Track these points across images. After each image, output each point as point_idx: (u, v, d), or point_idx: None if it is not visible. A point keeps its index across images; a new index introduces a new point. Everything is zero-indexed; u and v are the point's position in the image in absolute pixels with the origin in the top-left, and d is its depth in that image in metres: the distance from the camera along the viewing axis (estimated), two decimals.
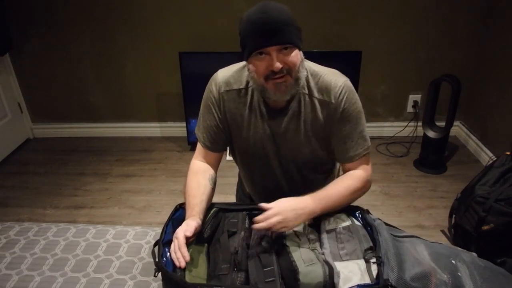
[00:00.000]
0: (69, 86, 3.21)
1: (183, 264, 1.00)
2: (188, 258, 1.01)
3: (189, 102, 2.94)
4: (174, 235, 1.07)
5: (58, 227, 1.55)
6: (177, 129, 3.29)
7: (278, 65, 1.06)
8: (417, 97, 3.14)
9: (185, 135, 3.11)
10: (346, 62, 2.75)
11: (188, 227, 1.07)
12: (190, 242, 1.08)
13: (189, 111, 2.97)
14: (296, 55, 1.09)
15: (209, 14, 2.87)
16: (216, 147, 1.31)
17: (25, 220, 2.43)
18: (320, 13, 2.85)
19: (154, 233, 1.52)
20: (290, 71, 1.09)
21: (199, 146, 1.33)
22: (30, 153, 3.20)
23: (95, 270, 1.35)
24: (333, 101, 1.18)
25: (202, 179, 1.24)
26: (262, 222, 1.05)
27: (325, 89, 1.18)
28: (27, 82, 3.22)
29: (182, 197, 1.24)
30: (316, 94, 1.19)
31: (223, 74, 1.26)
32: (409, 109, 3.18)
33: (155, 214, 2.46)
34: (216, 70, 1.29)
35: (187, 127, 3.04)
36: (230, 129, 1.28)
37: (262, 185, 1.38)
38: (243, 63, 1.23)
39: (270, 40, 1.04)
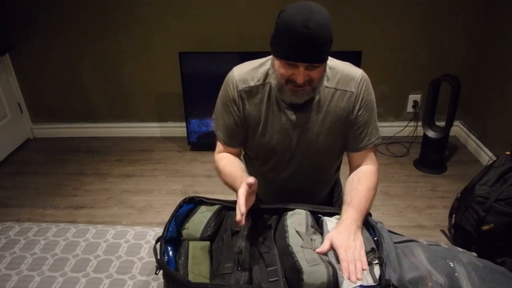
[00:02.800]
0: (69, 86, 3.21)
1: (238, 217, 1.01)
2: (243, 210, 1.01)
3: (189, 102, 2.94)
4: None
5: (58, 227, 1.55)
6: (177, 129, 3.29)
7: (301, 79, 1.09)
8: (417, 97, 3.14)
9: (185, 135, 3.11)
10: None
11: (246, 181, 1.07)
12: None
13: (189, 111, 2.97)
14: (322, 70, 1.12)
15: (208, 14, 2.87)
16: (235, 143, 1.34)
17: (25, 220, 2.43)
18: None
19: (154, 233, 1.52)
20: (311, 82, 1.12)
21: (219, 143, 1.36)
22: (30, 153, 3.20)
23: (95, 270, 1.36)
24: (354, 91, 1.22)
25: (233, 160, 1.31)
26: (343, 263, 1.01)
27: (345, 81, 1.22)
28: (27, 82, 3.22)
29: (182, 196, 1.23)
30: (336, 85, 1.22)
31: (239, 71, 1.26)
32: (409, 109, 3.18)
33: (155, 214, 2.46)
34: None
35: (187, 127, 3.04)
36: (247, 125, 1.29)
37: (274, 179, 1.39)
38: (259, 61, 1.26)
39: (303, 58, 1.05)
